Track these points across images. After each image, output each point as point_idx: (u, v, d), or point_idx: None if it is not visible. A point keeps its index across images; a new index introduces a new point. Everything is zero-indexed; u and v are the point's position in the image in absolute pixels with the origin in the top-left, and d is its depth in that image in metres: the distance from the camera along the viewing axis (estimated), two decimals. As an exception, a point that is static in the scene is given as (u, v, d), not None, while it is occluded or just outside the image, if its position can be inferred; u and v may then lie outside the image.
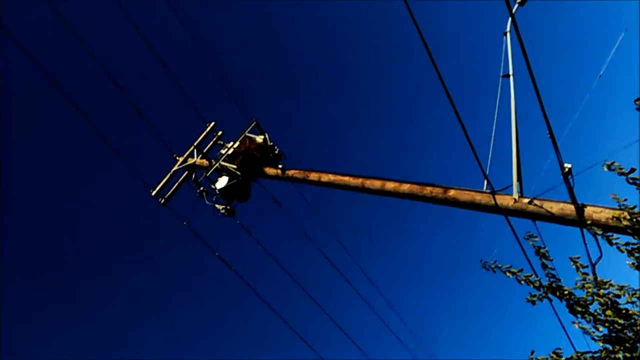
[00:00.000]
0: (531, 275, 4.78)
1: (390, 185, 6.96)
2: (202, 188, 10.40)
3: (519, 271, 4.82)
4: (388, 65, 41.14)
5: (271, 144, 9.95)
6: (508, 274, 4.85)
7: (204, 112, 11.09)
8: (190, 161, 10.87)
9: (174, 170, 11.01)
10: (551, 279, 4.68)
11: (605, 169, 4.52)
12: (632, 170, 4.35)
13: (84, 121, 9.21)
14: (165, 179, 11.00)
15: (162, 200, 10.73)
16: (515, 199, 5.38)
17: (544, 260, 4.71)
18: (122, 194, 33.82)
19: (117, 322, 33.51)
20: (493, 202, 5.61)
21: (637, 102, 4.25)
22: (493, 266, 5.02)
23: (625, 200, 4.47)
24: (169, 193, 10.81)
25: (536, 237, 4.87)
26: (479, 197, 5.78)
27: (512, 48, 6.23)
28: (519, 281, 4.79)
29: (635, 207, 4.36)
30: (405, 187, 6.71)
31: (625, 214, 4.37)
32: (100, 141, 9.77)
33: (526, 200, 5.28)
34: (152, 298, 36.00)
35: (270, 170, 9.51)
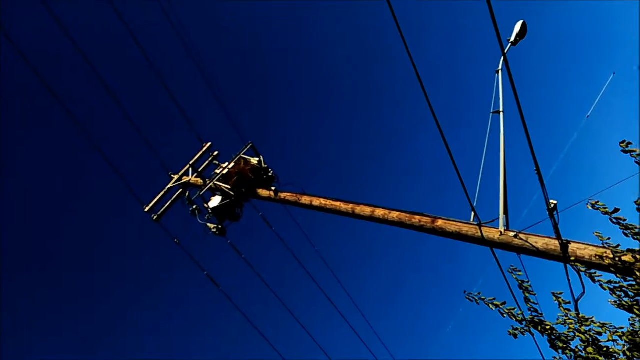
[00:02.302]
0: (514, 309, 4.81)
1: (379, 213, 7.03)
2: (195, 206, 10.43)
3: (502, 304, 4.85)
4: (384, 99, 41.86)
5: (265, 166, 10.04)
6: (491, 306, 4.89)
7: (202, 132, 11.21)
8: (185, 179, 10.93)
9: (169, 188, 11.06)
10: (533, 314, 4.71)
11: (590, 208, 4.61)
12: (616, 210, 4.44)
13: (81, 135, 9.29)
14: (159, 195, 11.04)
15: (155, 217, 10.75)
16: (501, 232, 5.45)
17: (527, 295, 4.75)
18: (116, 209, 33.73)
19: (101, 337, 32.96)
20: (479, 234, 5.67)
21: (622, 145, 4.37)
22: (477, 298, 5.06)
23: (609, 239, 4.54)
24: (162, 210, 10.83)
25: (520, 271, 4.92)
26: (466, 229, 5.84)
27: (503, 85, 6.40)
28: (502, 314, 4.82)
29: (618, 245, 4.43)
30: (395, 215, 6.78)
31: (608, 252, 4.44)
32: (97, 155, 9.83)
33: (512, 234, 5.34)
34: (139, 314, 35.52)
35: (263, 192, 9.56)
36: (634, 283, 4.10)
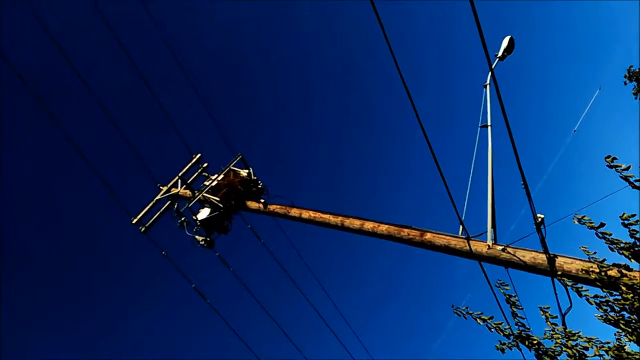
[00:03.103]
0: (501, 323, 4.80)
1: (369, 226, 7.01)
2: (183, 218, 10.36)
3: (489, 318, 4.84)
4: (374, 113, 42.21)
5: (255, 178, 10.00)
6: (479, 320, 4.87)
7: (192, 144, 11.18)
8: (174, 191, 10.86)
9: (157, 199, 10.98)
10: (521, 328, 4.70)
11: (576, 222, 4.63)
12: (602, 224, 4.46)
13: (69, 145, 9.22)
14: (147, 207, 10.97)
15: (143, 229, 10.65)
16: (489, 246, 5.45)
17: (514, 309, 4.74)
18: (105, 220, 33.39)
19: (86, 352, 32.38)
20: (467, 247, 5.67)
21: (607, 160, 4.41)
22: (464, 312, 5.04)
23: (595, 253, 4.56)
24: (150, 222, 10.74)
25: (507, 285, 4.92)
26: (454, 242, 5.84)
27: (491, 100, 6.45)
28: (489, 328, 4.80)
29: (604, 260, 4.44)
30: (384, 228, 6.77)
31: (595, 267, 4.45)
32: (85, 165, 9.76)
33: (500, 248, 5.35)
34: (127, 325, 35.02)
35: (252, 204, 9.52)
36: (619, 297, 4.11)
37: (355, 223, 7.25)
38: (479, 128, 6.30)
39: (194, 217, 9.93)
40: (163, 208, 10.84)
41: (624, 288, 3.99)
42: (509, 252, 5.27)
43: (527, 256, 5.16)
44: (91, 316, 33.24)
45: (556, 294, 4.92)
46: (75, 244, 33.08)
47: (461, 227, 5.83)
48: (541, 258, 5.03)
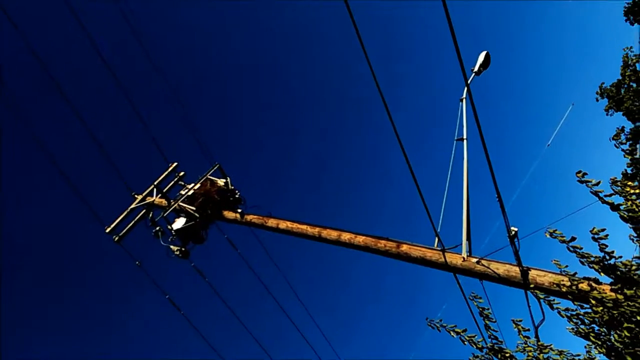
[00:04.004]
0: (475, 336, 4.82)
1: (346, 237, 7.01)
2: (158, 228, 10.19)
3: (462, 331, 4.86)
4: (351, 125, 42.54)
5: (232, 187, 9.92)
6: (452, 333, 4.89)
7: (169, 153, 11.04)
8: (149, 200, 10.69)
9: (132, 208, 10.78)
10: (493, 341, 4.73)
11: (548, 236, 4.70)
12: (573, 239, 4.53)
13: (42, 152, 9.01)
14: (122, 216, 10.76)
15: (117, 238, 10.44)
16: (464, 258, 5.49)
17: (487, 322, 4.77)
18: (77, 228, 32.65)
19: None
20: (443, 259, 5.71)
21: (578, 175, 4.50)
22: (438, 325, 5.05)
23: (567, 266, 4.63)
24: (124, 231, 10.54)
25: (481, 298, 4.95)
26: (429, 254, 5.87)
27: (467, 113, 6.55)
28: (463, 341, 4.82)
29: (575, 273, 4.51)
30: (360, 239, 6.77)
31: (565, 280, 4.52)
32: (57, 172, 9.54)
33: (474, 260, 5.40)
34: (98, 338, 34.15)
35: (229, 214, 9.42)
36: (590, 311, 4.17)
37: (333, 234, 7.24)
38: (455, 141, 6.38)
39: (169, 227, 9.77)
40: (138, 217, 10.66)
41: (593, 302, 4.06)
42: (483, 265, 5.32)
43: (501, 269, 5.21)
44: (62, 329, 32.31)
45: (529, 307, 4.97)
46: (44, 254, 32.21)
47: (437, 239, 5.87)
48: (515, 271, 5.08)
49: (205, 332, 10.96)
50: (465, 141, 6.26)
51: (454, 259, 5.65)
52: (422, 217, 5.51)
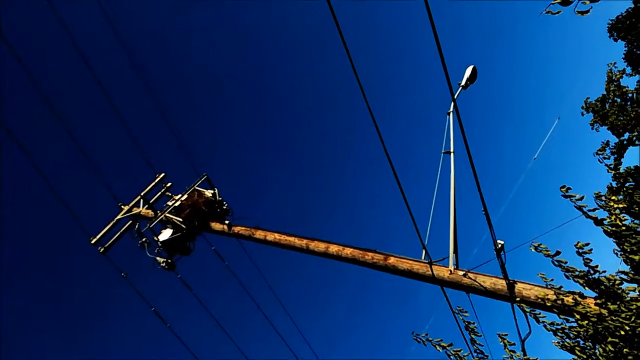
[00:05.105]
0: (460, 350, 4.81)
1: (333, 249, 6.98)
2: (144, 239, 10.06)
3: (448, 345, 4.85)
4: (339, 137, 42.73)
5: (220, 199, 9.85)
6: (438, 347, 4.87)
7: (156, 163, 10.95)
8: (135, 211, 10.57)
9: (118, 219, 10.65)
10: (479, 355, 4.72)
11: (533, 250, 4.72)
12: (557, 253, 4.56)
13: (26, 161, 8.89)
14: (108, 227, 10.61)
15: (102, 249, 10.29)
16: (451, 271, 5.50)
17: (473, 336, 4.76)
18: (63, 239, 32.19)
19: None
20: (430, 272, 5.70)
21: (562, 190, 4.54)
22: (424, 339, 5.03)
23: (552, 280, 4.65)
24: (110, 242, 10.39)
25: (466, 312, 4.95)
26: (417, 267, 5.87)
27: (454, 127, 6.60)
28: (449, 355, 4.80)
29: (561, 287, 4.53)
30: (348, 252, 6.75)
31: (551, 293, 4.53)
32: (43, 182, 9.41)
33: (461, 273, 5.40)
34: (83, 349, 33.51)
35: (216, 226, 9.35)
36: (575, 325, 4.18)
37: (320, 246, 7.21)
38: (442, 154, 6.41)
39: (155, 238, 9.66)
40: (124, 228, 10.52)
41: (577, 316, 4.07)
42: (470, 278, 5.33)
43: (487, 282, 5.22)
44: (48, 340, 31.68)
45: (516, 320, 4.98)
46: (28, 266, 31.67)
47: (424, 252, 5.86)
48: (501, 284, 5.10)
49: (192, 344, 10.82)
50: (452, 154, 6.29)
51: (441, 271, 5.65)
52: (409, 229, 5.51)
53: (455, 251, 5.64)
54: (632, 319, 3.71)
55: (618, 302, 3.89)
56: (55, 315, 32.89)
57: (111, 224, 10.60)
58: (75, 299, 33.87)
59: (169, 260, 9.58)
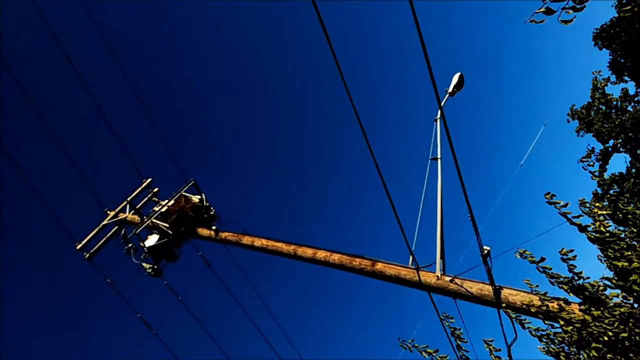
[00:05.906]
0: (447, 356, 4.81)
1: (321, 255, 6.97)
2: (130, 245, 9.96)
3: (434, 351, 4.85)
4: (327, 144, 42.83)
5: (207, 204, 9.79)
6: (424, 354, 4.87)
7: (143, 168, 10.87)
8: (122, 216, 10.47)
9: (103, 225, 10.54)
10: (466, 361, 4.72)
11: (518, 256, 4.75)
12: (542, 259, 4.59)
13: (12, 165, 8.77)
14: (93, 232, 10.50)
15: (87, 255, 10.17)
16: (437, 277, 5.51)
17: (459, 342, 4.77)
18: (48, 245, 31.75)
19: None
20: (417, 278, 5.71)
21: (547, 196, 4.58)
22: (410, 345, 5.03)
23: (537, 286, 4.68)
24: (95, 248, 10.28)
25: (452, 318, 4.96)
26: (404, 272, 5.87)
27: (441, 133, 6.63)
28: (435, 362, 4.81)
29: (546, 293, 4.56)
30: (336, 258, 6.73)
31: (536, 299, 4.56)
32: (27, 186, 9.29)
33: (448, 279, 5.41)
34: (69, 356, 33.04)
35: (203, 231, 9.28)
36: (560, 330, 4.21)
37: (308, 252, 7.19)
38: (429, 160, 6.44)
39: (141, 244, 9.57)
40: (110, 234, 10.41)
41: (561, 322, 4.10)
42: (456, 283, 5.34)
43: (474, 287, 5.24)
44: (34, 347, 31.14)
45: (502, 325, 4.99)
46: (14, 270, 31.16)
47: (411, 258, 5.87)
48: (487, 289, 5.11)
49: (178, 350, 10.70)
50: (439, 160, 6.33)
51: (428, 277, 5.66)
52: (397, 235, 5.52)
53: (442, 257, 5.66)
54: (616, 324, 3.75)
55: (602, 308, 3.92)
56: (43, 318, 32.40)
57: (97, 229, 10.50)
58: (63, 303, 33.41)
59: (156, 267, 9.49)
